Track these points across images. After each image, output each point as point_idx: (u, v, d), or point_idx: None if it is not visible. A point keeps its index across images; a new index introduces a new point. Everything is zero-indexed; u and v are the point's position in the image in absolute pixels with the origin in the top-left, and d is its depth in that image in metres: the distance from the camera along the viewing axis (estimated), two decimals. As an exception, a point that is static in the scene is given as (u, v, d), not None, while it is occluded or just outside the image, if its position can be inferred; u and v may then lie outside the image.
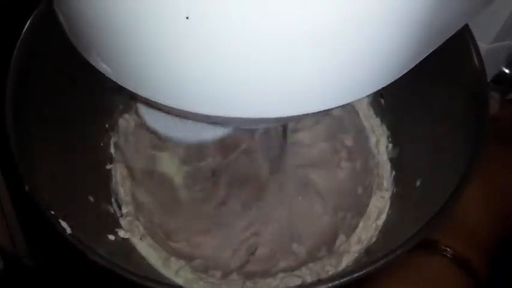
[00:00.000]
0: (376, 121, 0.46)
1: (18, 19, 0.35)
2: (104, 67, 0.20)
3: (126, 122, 0.45)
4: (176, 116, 0.30)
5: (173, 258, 0.39)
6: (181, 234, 0.42)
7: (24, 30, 0.35)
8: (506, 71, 0.44)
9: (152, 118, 0.34)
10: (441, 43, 0.24)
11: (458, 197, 0.30)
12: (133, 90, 0.20)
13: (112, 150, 0.45)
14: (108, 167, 0.44)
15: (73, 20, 0.20)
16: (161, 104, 0.19)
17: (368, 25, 0.19)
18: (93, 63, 0.21)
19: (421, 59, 0.23)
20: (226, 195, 0.43)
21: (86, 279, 0.45)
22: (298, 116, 0.21)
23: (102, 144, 0.44)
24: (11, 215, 0.50)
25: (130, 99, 0.45)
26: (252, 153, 0.45)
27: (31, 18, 0.35)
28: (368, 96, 0.46)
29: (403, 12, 0.19)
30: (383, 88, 0.22)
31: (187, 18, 0.16)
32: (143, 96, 0.20)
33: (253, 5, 0.16)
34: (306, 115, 0.21)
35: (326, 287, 0.26)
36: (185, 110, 0.19)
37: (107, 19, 0.18)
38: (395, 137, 0.45)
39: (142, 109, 0.35)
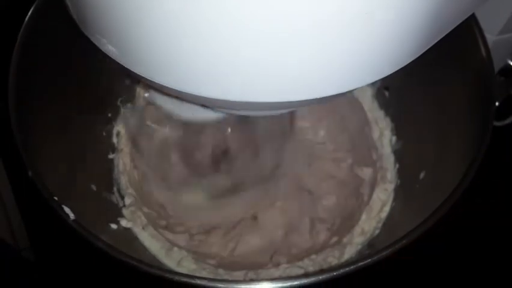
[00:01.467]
0: (380, 113, 0.46)
1: (22, 7, 0.35)
2: (109, 48, 0.20)
3: (129, 111, 0.45)
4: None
5: (175, 248, 0.39)
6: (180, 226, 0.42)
7: (26, 18, 0.35)
8: (512, 64, 0.43)
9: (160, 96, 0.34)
10: (447, 32, 0.24)
11: (462, 190, 0.30)
12: (138, 73, 0.19)
13: (115, 140, 0.45)
14: (110, 156, 0.44)
15: (78, 0, 0.20)
16: (166, 87, 0.19)
17: (375, 11, 0.19)
18: (98, 44, 0.20)
19: (427, 48, 0.23)
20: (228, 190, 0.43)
21: (88, 271, 0.45)
22: (302, 101, 0.20)
23: (104, 134, 0.44)
24: (12, 206, 0.50)
25: (132, 84, 0.45)
26: (254, 146, 0.44)
27: (34, 5, 0.35)
28: (371, 87, 0.46)
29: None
30: (387, 79, 0.22)
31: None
32: (150, 79, 0.19)
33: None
34: (309, 101, 0.21)
35: (328, 276, 0.26)
36: (190, 92, 0.19)
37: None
38: (398, 129, 0.45)
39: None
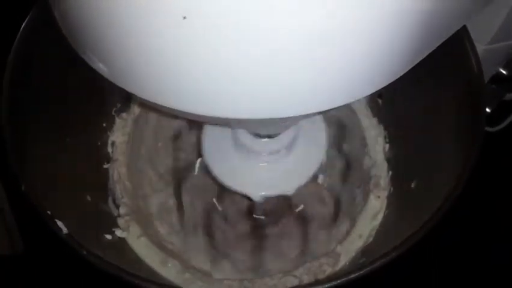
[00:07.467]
0: (373, 121, 0.46)
1: (17, 17, 0.35)
2: (99, 66, 0.20)
3: (124, 121, 0.45)
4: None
5: (170, 259, 0.38)
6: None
7: (20, 29, 0.35)
8: (504, 72, 0.44)
9: (216, 166, 0.36)
10: (439, 44, 0.24)
11: (452, 199, 0.30)
12: (128, 90, 0.20)
13: (110, 149, 0.44)
14: (105, 166, 0.44)
15: (68, 17, 0.20)
16: (158, 105, 0.19)
17: (367, 25, 0.19)
18: (88, 61, 0.20)
19: (419, 60, 0.23)
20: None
21: (84, 278, 0.44)
22: (298, 116, 0.20)
23: (99, 143, 0.44)
24: (8, 214, 0.50)
25: (128, 98, 0.45)
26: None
27: (29, 16, 0.35)
28: (365, 96, 0.46)
29: (402, 12, 0.19)
30: (380, 89, 0.22)
31: (185, 18, 0.16)
32: (140, 96, 0.20)
33: (252, 5, 0.16)
34: (304, 116, 0.21)
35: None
36: (179, 109, 0.19)
37: (101, 17, 0.18)
38: (391, 137, 0.45)
39: (208, 157, 0.36)
